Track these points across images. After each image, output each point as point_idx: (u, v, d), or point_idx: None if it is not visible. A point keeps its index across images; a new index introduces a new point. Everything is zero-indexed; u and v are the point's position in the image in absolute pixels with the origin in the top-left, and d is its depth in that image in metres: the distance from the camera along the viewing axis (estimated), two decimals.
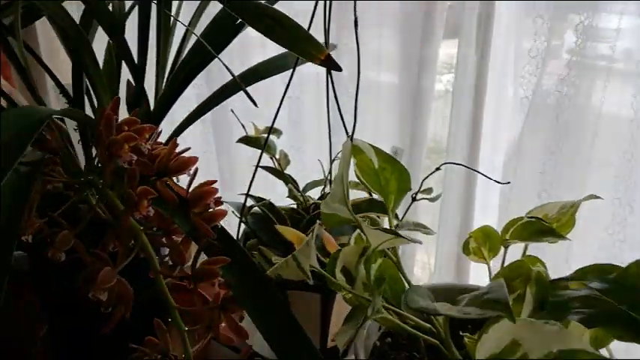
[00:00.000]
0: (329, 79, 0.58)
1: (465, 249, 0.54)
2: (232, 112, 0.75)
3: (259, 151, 0.79)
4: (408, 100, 0.91)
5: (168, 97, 0.63)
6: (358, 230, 0.47)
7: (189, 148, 0.42)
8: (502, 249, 0.52)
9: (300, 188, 0.82)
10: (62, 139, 0.50)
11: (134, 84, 0.61)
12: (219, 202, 0.40)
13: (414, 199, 0.63)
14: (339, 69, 0.39)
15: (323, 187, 0.82)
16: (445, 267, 0.94)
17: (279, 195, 1.14)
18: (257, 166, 0.72)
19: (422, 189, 0.63)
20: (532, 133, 0.75)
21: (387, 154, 0.43)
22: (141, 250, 0.39)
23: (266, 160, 0.84)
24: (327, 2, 0.57)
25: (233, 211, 0.76)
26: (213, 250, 0.39)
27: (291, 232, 0.69)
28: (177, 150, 0.43)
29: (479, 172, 0.58)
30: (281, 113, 1.08)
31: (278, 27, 0.41)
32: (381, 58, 0.95)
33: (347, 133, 0.64)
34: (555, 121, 0.73)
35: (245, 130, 0.78)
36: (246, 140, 0.78)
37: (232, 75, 0.47)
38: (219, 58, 0.48)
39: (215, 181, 0.39)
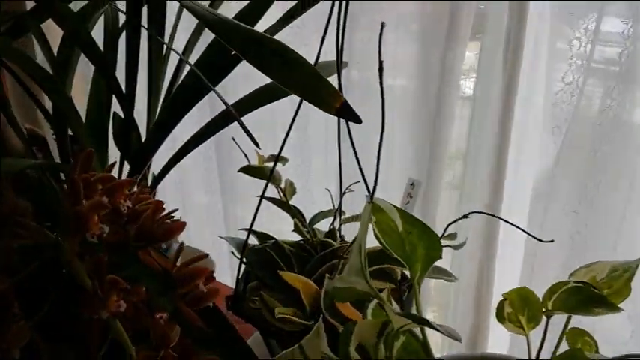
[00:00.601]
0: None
1: (498, 314, 0.47)
2: (233, 140, 0.69)
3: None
4: (426, 107, 0.83)
5: (163, 126, 0.56)
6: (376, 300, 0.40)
7: (176, 210, 0.35)
8: (544, 318, 0.44)
9: (305, 215, 0.75)
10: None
11: (122, 114, 0.54)
12: (211, 278, 0.33)
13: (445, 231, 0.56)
14: (358, 120, 0.32)
15: (332, 221, 0.75)
16: (460, 321, 0.85)
17: (281, 220, 1.08)
18: (261, 199, 0.65)
19: (446, 233, 0.56)
20: (565, 164, 0.68)
21: (413, 217, 0.36)
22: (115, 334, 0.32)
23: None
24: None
25: (233, 252, 0.69)
26: (203, 336, 0.32)
27: (297, 279, 0.62)
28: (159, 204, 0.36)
29: (517, 227, 0.50)
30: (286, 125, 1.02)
31: (280, 63, 0.34)
32: (397, 61, 0.88)
33: (359, 165, 0.57)
34: (592, 154, 0.65)
35: (247, 159, 0.71)
36: (248, 170, 0.72)
37: (226, 105, 0.41)
38: (213, 90, 0.42)
39: (207, 255, 0.32)
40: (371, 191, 0.38)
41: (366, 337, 0.39)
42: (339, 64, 0.59)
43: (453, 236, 0.56)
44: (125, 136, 0.53)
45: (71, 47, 0.48)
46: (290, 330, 0.59)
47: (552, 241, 0.47)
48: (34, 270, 0.33)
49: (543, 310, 0.43)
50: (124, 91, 0.51)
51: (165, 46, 0.50)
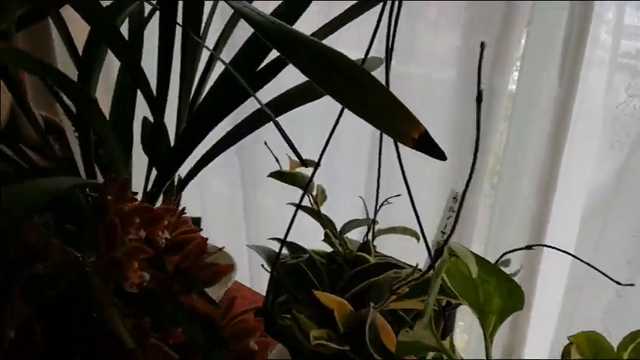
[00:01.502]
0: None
1: None
2: (265, 144, 0.64)
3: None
4: (469, 103, 0.77)
5: (194, 133, 0.51)
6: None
7: (222, 248, 0.31)
8: None
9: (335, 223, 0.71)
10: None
11: (152, 118, 0.49)
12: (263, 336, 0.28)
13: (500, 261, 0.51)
14: (443, 156, 0.27)
15: (366, 232, 0.70)
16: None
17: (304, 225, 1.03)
18: (297, 209, 0.60)
19: (501, 259, 0.51)
20: (627, 183, 0.62)
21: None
22: None
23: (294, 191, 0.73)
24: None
25: (263, 265, 0.65)
26: None
27: (332, 300, 0.57)
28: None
29: (568, 254, 0.45)
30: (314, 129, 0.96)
31: (351, 87, 0.29)
32: (437, 51, 0.81)
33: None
34: None
35: (279, 163, 0.67)
36: (279, 175, 0.67)
37: (260, 104, 0.36)
38: (252, 94, 0.37)
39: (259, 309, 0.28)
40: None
41: None
42: (388, 64, 0.54)
43: (506, 263, 0.51)
44: (154, 141, 0.49)
45: (98, 46, 0.43)
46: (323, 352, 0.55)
47: (632, 284, 0.41)
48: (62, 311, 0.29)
49: None
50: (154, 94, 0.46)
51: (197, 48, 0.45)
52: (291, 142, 0.35)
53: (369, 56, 0.58)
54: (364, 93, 0.28)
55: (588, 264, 0.46)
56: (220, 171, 1.13)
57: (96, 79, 0.50)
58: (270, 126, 0.62)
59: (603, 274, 0.45)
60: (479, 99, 0.23)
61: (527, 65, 0.71)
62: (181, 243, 0.32)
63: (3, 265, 0.28)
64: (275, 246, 0.70)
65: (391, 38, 0.51)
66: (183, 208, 0.35)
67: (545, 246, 0.46)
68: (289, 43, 0.29)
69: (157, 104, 0.47)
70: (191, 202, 1.19)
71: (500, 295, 0.32)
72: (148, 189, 0.54)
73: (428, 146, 0.27)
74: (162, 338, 0.30)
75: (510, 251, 0.47)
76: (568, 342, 0.44)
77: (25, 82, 1.01)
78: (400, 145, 0.31)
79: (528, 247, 0.45)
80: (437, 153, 0.27)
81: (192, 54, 0.46)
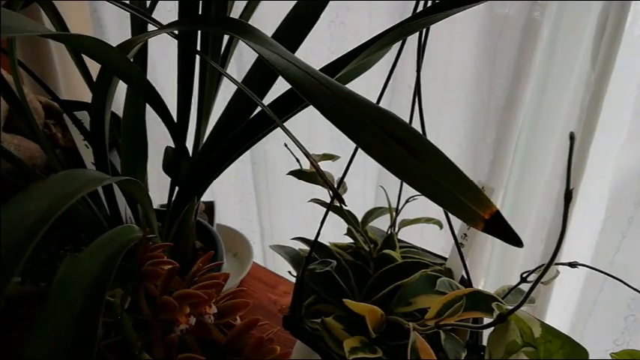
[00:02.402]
0: None
1: None
2: (286, 146, 0.61)
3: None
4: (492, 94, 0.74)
5: (215, 153, 0.49)
6: None
7: (266, 323, 0.29)
8: None
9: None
10: None
11: (173, 144, 0.47)
12: None
13: (523, 280, 0.50)
14: (519, 242, 0.25)
15: (390, 225, 0.69)
16: None
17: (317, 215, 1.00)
18: (328, 209, 0.59)
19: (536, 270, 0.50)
20: None
21: (557, 331, 0.30)
22: None
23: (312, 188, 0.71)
24: None
25: (289, 272, 0.64)
26: None
27: (363, 308, 0.57)
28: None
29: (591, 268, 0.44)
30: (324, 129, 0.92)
31: (404, 153, 0.26)
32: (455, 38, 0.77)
33: None
34: None
35: (299, 163, 0.64)
36: (299, 174, 0.65)
37: (275, 118, 0.34)
38: (264, 107, 0.35)
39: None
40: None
41: None
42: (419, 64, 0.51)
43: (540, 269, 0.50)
44: (176, 165, 0.46)
45: (110, 79, 0.40)
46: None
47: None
48: None
49: None
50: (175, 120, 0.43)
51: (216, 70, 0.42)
52: (304, 148, 0.33)
53: None
54: (418, 160, 0.26)
55: (608, 274, 0.45)
56: None
57: (112, 95, 0.46)
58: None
59: (621, 281, 0.44)
60: (567, 197, 0.21)
61: (558, 46, 0.67)
62: (227, 311, 0.31)
63: None
64: (297, 245, 0.69)
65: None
66: (227, 274, 0.33)
67: (583, 265, 0.45)
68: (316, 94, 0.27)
69: (179, 129, 0.44)
70: None
71: (563, 353, 0.31)
72: (171, 207, 0.52)
73: (502, 230, 0.25)
74: None
75: (547, 266, 0.46)
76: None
77: (21, 74, 0.96)
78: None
79: (571, 265, 0.44)
80: (511, 236, 0.25)
81: (212, 76, 0.42)
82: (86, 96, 0.58)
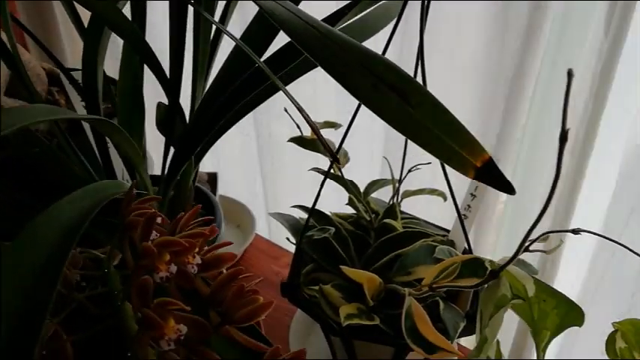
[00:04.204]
0: None
1: (608, 348, 0.41)
2: (286, 110, 0.60)
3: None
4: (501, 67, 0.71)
5: (210, 111, 0.48)
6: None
7: (250, 275, 0.29)
8: None
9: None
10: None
11: (167, 101, 0.46)
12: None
13: (523, 248, 0.49)
14: (511, 189, 0.24)
15: (392, 195, 0.68)
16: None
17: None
18: (325, 177, 0.58)
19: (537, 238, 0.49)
20: None
21: (551, 289, 0.29)
22: None
23: (314, 157, 0.70)
24: None
25: (287, 238, 0.63)
26: None
27: (360, 275, 0.56)
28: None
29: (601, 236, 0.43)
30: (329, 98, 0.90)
31: (388, 93, 0.25)
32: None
33: None
34: None
35: (300, 129, 0.63)
36: (300, 141, 0.64)
37: (272, 77, 0.33)
38: (263, 66, 0.33)
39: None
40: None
41: None
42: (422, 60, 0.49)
43: (546, 238, 0.49)
44: (170, 123, 0.46)
45: (100, 28, 0.39)
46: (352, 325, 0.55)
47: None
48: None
49: None
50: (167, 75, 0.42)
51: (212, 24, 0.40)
52: (303, 110, 0.32)
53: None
54: (406, 104, 0.25)
55: (618, 242, 0.43)
56: None
57: (104, 49, 0.45)
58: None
59: (632, 250, 0.43)
60: (562, 138, 0.20)
61: (571, 15, 0.64)
62: (212, 263, 0.30)
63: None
64: (297, 213, 0.68)
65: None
66: (214, 226, 0.32)
67: (586, 231, 0.43)
68: (329, 51, 0.25)
69: (172, 85, 0.43)
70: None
71: (558, 313, 0.30)
72: (166, 170, 0.52)
73: (492, 176, 0.24)
74: None
75: (550, 232, 0.44)
76: (613, 329, 0.42)
77: (27, 42, 0.95)
78: None
79: (574, 231, 0.42)
80: (503, 184, 0.24)
81: (206, 31, 0.41)
82: None
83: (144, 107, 0.52)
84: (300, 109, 0.32)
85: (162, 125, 0.46)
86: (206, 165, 1.05)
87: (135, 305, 0.24)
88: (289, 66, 0.41)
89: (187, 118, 0.49)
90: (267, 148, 1.03)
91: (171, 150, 0.51)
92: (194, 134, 0.48)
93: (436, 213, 0.92)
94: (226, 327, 0.27)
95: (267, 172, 1.07)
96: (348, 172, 0.69)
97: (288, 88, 0.51)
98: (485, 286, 0.30)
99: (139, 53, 0.42)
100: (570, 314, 0.30)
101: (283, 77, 0.54)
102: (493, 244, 0.88)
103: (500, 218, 0.88)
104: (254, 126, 1.04)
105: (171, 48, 0.40)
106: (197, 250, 0.29)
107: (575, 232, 0.44)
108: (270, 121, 0.99)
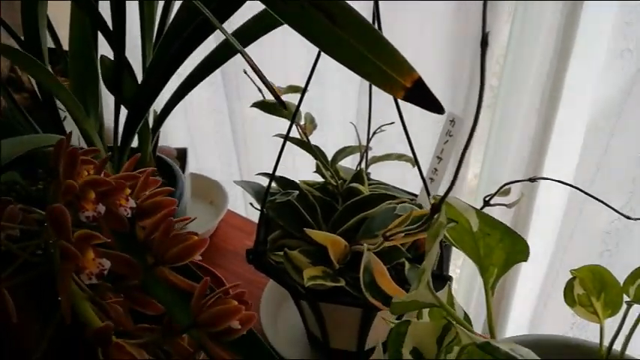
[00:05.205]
0: None
1: (567, 295, 0.40)
2: (245, 72, 0.59)
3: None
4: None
5: (162, 66, 0.46)
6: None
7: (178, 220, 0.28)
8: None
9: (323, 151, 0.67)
10: None
11: (113, 55, 0.44)
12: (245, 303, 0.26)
13: (486, 203, 0.48)
14: (439, 109, 0.23)
15: (359, 161, 0.67)
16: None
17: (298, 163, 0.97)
18: (285, 140, 0.57)
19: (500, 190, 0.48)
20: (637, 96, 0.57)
21: (493, 219, 0.28)
22: None
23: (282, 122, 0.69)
24: None
25: (251, 203, 0.62)
26: None
27: (325, 237, 0.55)
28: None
29: (570, 185, 0.42)
30: (299, 62, 0.89)
31: (322, 19, 0.24)
32: None
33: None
34: None
35: (262, 94, 0.62)
36: (263, 106, 0.62)
37: (227, 35, 0.32)
38: (212, 19, 0.32)
39: (244, 294, 0.25)
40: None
41: (423, 342, 0.33)
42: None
43: (507, 192, 0.49)
44: (117, 78, 0.44)
45: None
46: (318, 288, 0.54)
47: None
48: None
49: (626, 300, 0.37)
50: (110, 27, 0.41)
51: None
52: (261, 73, 0.31)
53: None
54: (335, 26, 0.24)
55: (588, 194, 0.43)
56: (205, 88, 1.06)
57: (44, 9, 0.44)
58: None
59: (603, 202, 0.43)
60: (484, 43, 0.19)
61: None
62: (149, 209, 0.29)
63: None
64: (265, 181, 0.67)
65: None
66: (154, 169, 0.31)
67: (546, 179, 0.43)
68: None
69: (116, 37, 0.41)
70: (177, 129, 1.14)
71: (503, 247, 0.29)
72: (120, 131, 0.50)
73: (422, 97, 0.23)
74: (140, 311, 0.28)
75: (510, 183, 0.44)
76: (571, 276, 0.42)
77: None
78: None
79: (531, 180, 0.42)
80: (433, 104, 0.23)
81: None
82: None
83: (97, 70, 0.50)
84: (254, 68, 0.31)
85: (109, 81, 0.45)
86: (181, 143, 1.03)
87: (52, 237, 0.23)
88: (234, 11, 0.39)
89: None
90: (241, 123, 1.02)
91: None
92: (145, 91, 0.46)
93: (415, 185, 0.91)
94: (160, 267, 0.26)
95: (240, 148, 1.06)
96: (324, 142, 0.68)
97: (255, 52, 0.51)
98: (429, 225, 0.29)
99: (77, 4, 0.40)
100: (516, 247, 0.29)
101: (239, 35, 0.52)
102: None
103: (474, 192, 0.88)
104: (227, 103, 1.03)
105: None
106: (130, 192, 0.28)
107: (532, 180, 0.44)
108: (242, 96, 0.98)
